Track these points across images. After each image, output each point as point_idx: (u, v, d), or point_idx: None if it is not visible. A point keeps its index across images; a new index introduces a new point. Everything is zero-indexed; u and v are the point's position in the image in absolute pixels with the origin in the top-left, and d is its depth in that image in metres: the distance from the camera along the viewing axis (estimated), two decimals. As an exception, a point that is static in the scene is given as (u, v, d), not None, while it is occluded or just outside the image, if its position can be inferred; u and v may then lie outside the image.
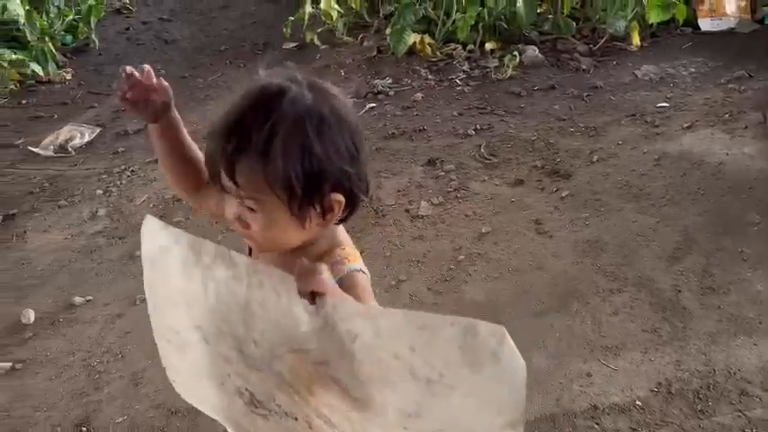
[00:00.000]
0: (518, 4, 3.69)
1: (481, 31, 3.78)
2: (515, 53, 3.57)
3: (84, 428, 1.73)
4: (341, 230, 0.94)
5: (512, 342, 0.64)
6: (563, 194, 2.49)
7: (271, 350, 0.78)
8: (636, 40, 3.65)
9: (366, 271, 0.91)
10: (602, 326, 1.89)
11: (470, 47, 3.77)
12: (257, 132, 0.76)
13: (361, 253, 2.41)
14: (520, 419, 0.66)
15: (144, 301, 2.15)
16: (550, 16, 3.90)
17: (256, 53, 4.23)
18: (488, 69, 3.59)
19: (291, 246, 0.87)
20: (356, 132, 0.83)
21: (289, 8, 4.54)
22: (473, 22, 3.71)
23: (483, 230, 2.34)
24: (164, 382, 1.82)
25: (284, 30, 4.16)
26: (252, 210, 0.82)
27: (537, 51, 3.64)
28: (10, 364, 1.95)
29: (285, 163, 0.77)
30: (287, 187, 0.79)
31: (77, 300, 2.19)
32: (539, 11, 3.88)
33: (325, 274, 0.70)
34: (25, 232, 2.60)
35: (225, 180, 0.80)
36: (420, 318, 0.67)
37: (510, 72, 3.50)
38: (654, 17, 3.61)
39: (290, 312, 0.74)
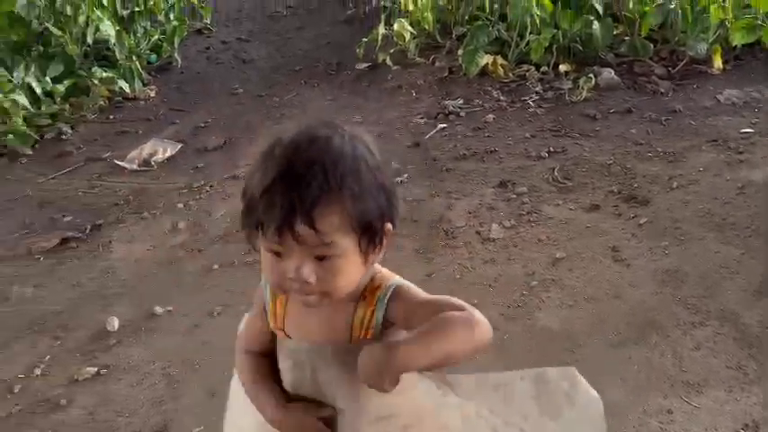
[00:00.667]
0: (594, 26, 3.64)
1: (555, 53, 3.75)
2: (590, 75, 3.52)
3: (162, 435, 1.80)
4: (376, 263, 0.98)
5: (584, 381, 0.65)
6: (641, 221, 2.43)
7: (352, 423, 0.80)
8: (718, 62, 3.54)
9: (407, 282, 0.94)
10: (684, 360, 1.82)
11: (544, 68, 3.74)
12: (328, 176, 0.79)
13: (430, 275, 2.41)
14: None
15: (220, 314, 2.22)
16: (627, 38, 3.83)
17: (330, 73, 4.33)
18: (562, 91, 3.55)
19: (350, 290, 0.88)
20: (384, 166, 0.89)
21: (362, 30, 4.63)
22: (547, 44, 3.69)
23: (557, 256, 2.31)
24: (239, 394, 1.87)
25: (357, 50, 4.24)
26: (319, 258, 0.83)
27: (613, 73, 3.57)
28: (96, 369, 2.04)
29: (364, 201, 0.82)
30: (361, 222, 0.82)
31: (158, 309, 2.27)
32: (615, 32, 3.82)
33: (391, 387, 0.76)
34: (110, 242, 2.73)
35: (300, 231, 0.80)
36: (491, 378, 0.68)
37: (585, 94, 3.45)
38: (738, 39, 3.49)
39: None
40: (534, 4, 3.67)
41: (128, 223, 2.86)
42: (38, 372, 2.07)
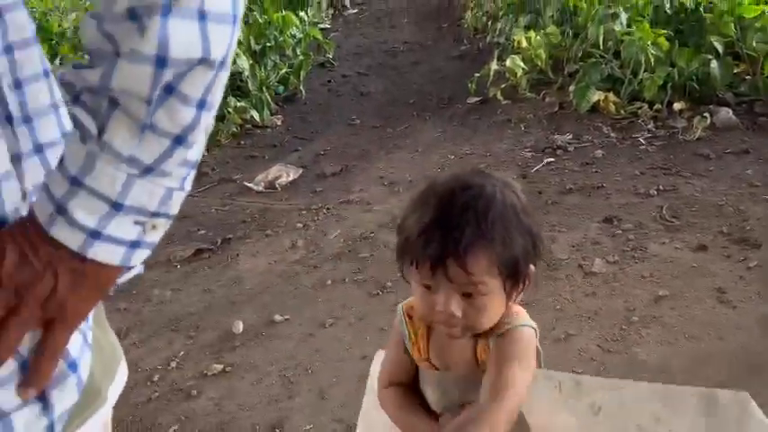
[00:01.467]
0: (712, 65, 3.59)
1: (670, 91, 3.73)
2: (706, 114, 3.47)
3: (277, 430, 2.00)
4: None
5: (758, 410, 0.68)
6: (751, 264, 2.39)
7: None
8: None
9: (535, 326, 1.02)
10: (788, 406, 1.80)
11: (657, 106, 3.73)
12: (480, 222, 0.89)
13: (529, 303, 2.52)
14: None
15: (331, 325, 2.42)
16: (748, 77, 3.74)
17: (441, 106, 4.52)
18: (675, 130, 3.52)
19: (491, 325, 0.97)
20: (533, 212, 0.98)
21: (475, 65, 4.80)
22: (661, 82, 3.68)
23: (660, 293, 2.32)
24: (346, 399, 2.06)
25: (469, 85, 4.41)
26: (466, 296, 0.92)
27: (731, 113, 3.50)
28: (222, 366, 2.30)
29: (512, 246, 0.90)
30: (512, 267, 0.91)
31: (277, 317, 2.51)
32: (735, 71, 3.74)
33: None
34: (238, 255, 3.03)
35: (453, 270, 0.89)
36: (663, 389, 0.75)
37: (699, 133, 3.41)
38: None
39: None
40: (649, 42, 3.68)
41: (253, 239, 3.15)
42: (173, 365, 2.35)
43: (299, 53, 5.07)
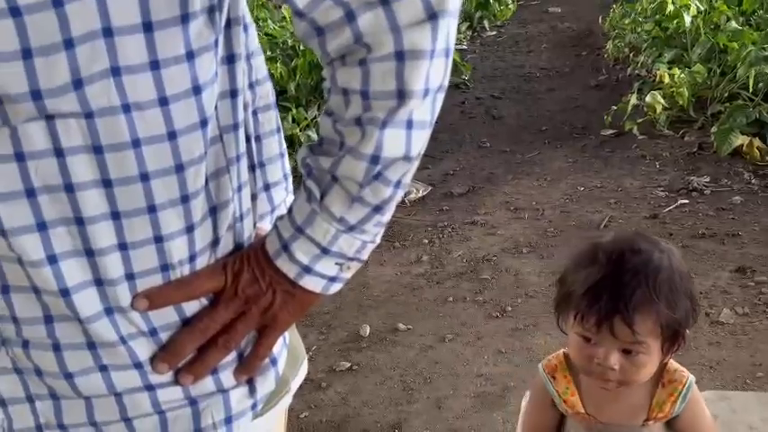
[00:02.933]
0: None
1: (823, 141, 3.55)
2: None
3: (396, 430, 2.18)
4: None
5: None
6: None
7: None
8: None
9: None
10: None
11: (807, 156, 3.56)
12: (649, 285, 0.98)
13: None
14: None
15: (451, 340, 2.56)
16: None
17: (574, 136, 4.54)
18: (826, 183, 3.35)
19: (645, 380, 1.07)
20: (692, 279, 1.08)
21: (612, 97, 4.77)
22: (815, 131, 3.51)
23: (790, 352, 2.27)
24: (461, 412, 2.20)
25: (605, 117, 4.40)
26: (626, 352, 1.00)
27: None
28: (349, 364, 2.52)
29: (676, 310, 1.00)
30: (673, 329, 1.00)
31: (401, 326, 2.70)
32: None
33: None
34: (367, 262, 3.22)
35: (619, 328, 0.97)
36: (762, 395, 0.96)
37: None
38: None
39: None
40: (805, 89, 3.53)
41: (381, 249, 3.37)
42: (307, 356, 2.60)
43: (436, 74, 5.26)
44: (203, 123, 0.63)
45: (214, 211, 0.68)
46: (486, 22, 7.49)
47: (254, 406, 0.78)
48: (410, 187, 3.95)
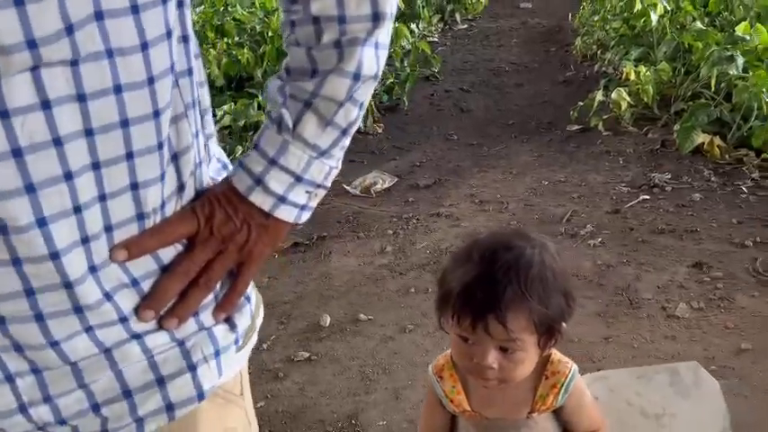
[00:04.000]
0: (831, 119, 3.47)
1: (781, 141, 3.62)
2: (818, 170, 3.36)
3: (353, 421, 2.16)
4: None
5: (705, 371, 1.00)
6: None
7: None
8: None
9: (574, 366, 1.15)
10: None
11: (765, 155, 3.63)
12: (521, 282, 0.97)
13: (608, 338, 2.57)
14: (728, 427, 1.01)
15: (411, 331, 2.55)
16: None
17: (540, 131, 4.57)
18: (782, 182, 3.43)
19: (525, 376, 1.07)
20: (567, 273, 1.08)
21: (579, 93, 4.82)
22: (773, 132, 3.58)
23: (742, 346, 2.31)
24: (419, 402, 2.19)
25: (571, 112, 4.44)
26: (503, 350, 1.00)
27: None
28: (308, 354, 2.49)
29: (549, 306, 1.00)
30: (547, 325, 1.01)
31: (362, 316, 2.68)
32: None
33: None
34: (330, 253, 3.23)
35: (492, 326, 0.97)
36: (636, 371, 1.04)
37: (807, 188, 3.30)
38: None
39: None
40: (764, 89, 3.60)
41: (345, 239, 3.35)
42: (265, 346, 2.57)
43: (406, 65, 5.25)
44: (172, 68, 0.64)
45: (177, 157, 0.69)
46: (457, 16, 7.49)
47: (236, 341, 0.79)
48: (376, 178, 3.93)
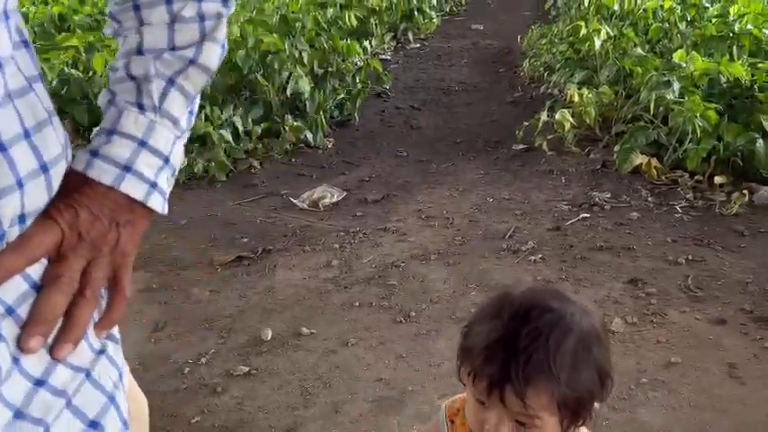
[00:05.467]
0: (758, 144, 3.65)
1: (713, 164, 3.79)
2: (746, 191, 3.52)
3: (290, 435, 2.14)
4: None
5: None
6: (767, 344, 2.44)
7: None
8: None
9: None
10: (780, 486, 1.85)
11: (698, 177, 3.79)
12: (549, 355, 0.84)
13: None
14: None
15: (353, 345, 2.55)
16: (794, 159, 3.77)
17: (488, 149, 4.66)
18: (713, 203, 3.58)
19: None
20: (609, 347, 0.91)
21: (525, 113, 4.94)
22: (705, 154, 3.75)
23: (672, 360, 2.39)
24: (358, 416, 2.18)
25: (517, 132, 4.54)
26: (519, 423, 0.87)
27: (771, 193, 3.55)
28: (248, 368, 2.45)
29: (578, 385, 0.86)
30: (573, 407, 0.86)
31: (304, 330, 2.66)
32: (781, 152, 3.77)
33: None
34: (275, 266, 3.21)
35: (509, 398, 0.84)
36: None
37: (736, 209, 3.46)
38: None
39: None
40: (698, 114, 3.76)
41: (291, 253, 3.33)
42: (203, 360, 2.52)
43: (357, 81, 5.29)
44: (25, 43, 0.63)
45: (46, 167, 0.62)
46: (410, 34, 7.60)
47: (123, 353, 0.75)
48: (325, 192, 3.93)
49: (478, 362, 0.87)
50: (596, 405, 0.92)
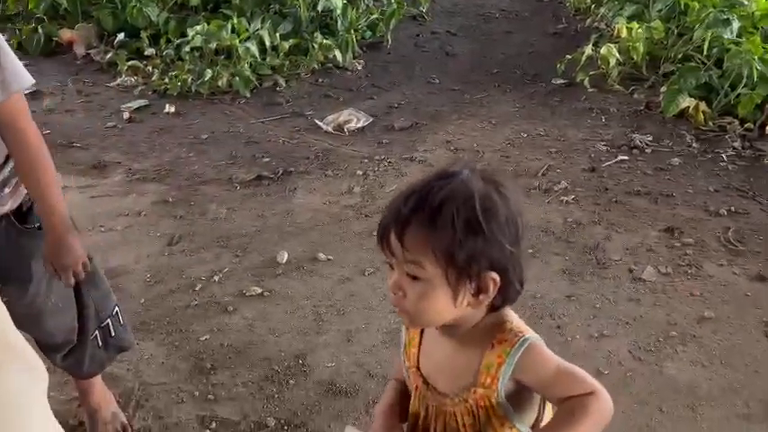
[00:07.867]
0: (819, 93, 3.39)
1: (766, 112, 3.54)
2: (800, 143, 3.29)
3: (300, 361, 2.08)
4: (508, 310, 1.00)
5: None
6: (808, 305, 2.30)
7: None
8: None
9: (539, 339, 0.98)
10: (810, 454, 1.76)
11: (749, 125, 3.55)
12: (430, 202, 0.89)
13: (570, 296, 2.48)
14: None
15: (370, 274, 2.45)
16: None
17: (525, 82, 4.42)
18: (762, 153, 3.36)
19: (440, 322, 0.96)
20: (520, 224, 0.93)
21: (568, 46, 4.65)
22: (759, 101, 3.49)
23: (705, 314, 2.26)
24: (370, 346, 2.11)
25: (558, 65, 4.28)
26: (412, 278, 0.91)
27: (827, 147, 3.31)
28: (261, 290, 2.39)
29: (451, 231, 0.88)
30: (448, 254, 0.88)
31: (321, 256, 2.58)
32: (843, 104, 3.51)
33: None
34: (295, 189, 3.10)
35: (393, 242, 0.90)
36: None
37: (787, 161, 3.24)
38: None
39: None
40: (756, 57, 3.48)
41: (313, 176, 3.21)
42: (216, 278, 2.46)
43: (392, 1, 5.01)
44: None
45: None
46: (452, -44, 7.16)
47: None
48: (351, 116, 3.77)
49: (381, 218, 0.94)
50: (493, 275, 0.91)
